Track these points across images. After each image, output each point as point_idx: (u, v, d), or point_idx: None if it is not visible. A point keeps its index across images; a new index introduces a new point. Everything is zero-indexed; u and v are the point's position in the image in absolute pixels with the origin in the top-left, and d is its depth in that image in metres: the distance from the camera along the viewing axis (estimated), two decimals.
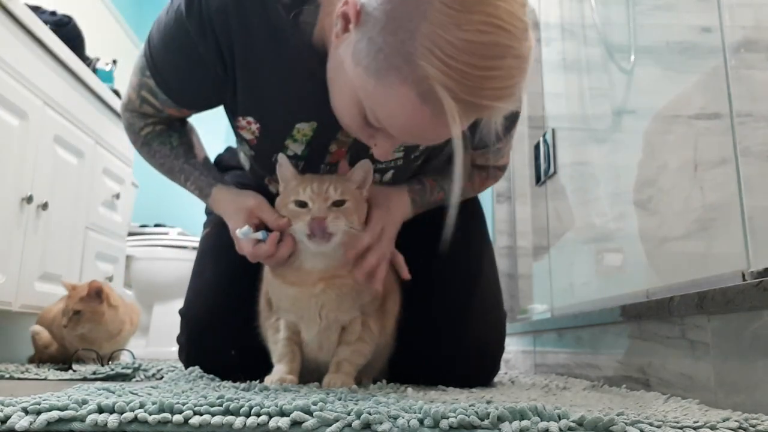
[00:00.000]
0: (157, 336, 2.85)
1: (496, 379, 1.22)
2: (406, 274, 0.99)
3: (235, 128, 1.01)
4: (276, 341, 0.99)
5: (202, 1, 0.87)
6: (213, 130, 1.00)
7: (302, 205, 0.89)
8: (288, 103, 0.94)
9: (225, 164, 1.26)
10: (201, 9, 0.88)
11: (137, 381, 1.25)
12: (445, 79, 0.68)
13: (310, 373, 0.98)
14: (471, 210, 1.22)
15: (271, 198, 0.97)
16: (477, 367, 1.12)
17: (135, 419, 0.58)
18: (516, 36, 0.68)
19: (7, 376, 1.30)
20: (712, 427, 0.61)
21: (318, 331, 0.95)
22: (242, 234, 0.91)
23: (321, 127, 0.95)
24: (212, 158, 1.27)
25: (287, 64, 0.90)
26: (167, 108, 1.02)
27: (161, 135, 1.06)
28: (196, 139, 1.10)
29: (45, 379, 1.28)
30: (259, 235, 0.92)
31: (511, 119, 1.03)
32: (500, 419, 0.59)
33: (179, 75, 0.96)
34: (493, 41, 0.67)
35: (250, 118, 0.97)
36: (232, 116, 1.01)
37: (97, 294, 1.60)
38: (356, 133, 0.85)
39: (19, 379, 1.28)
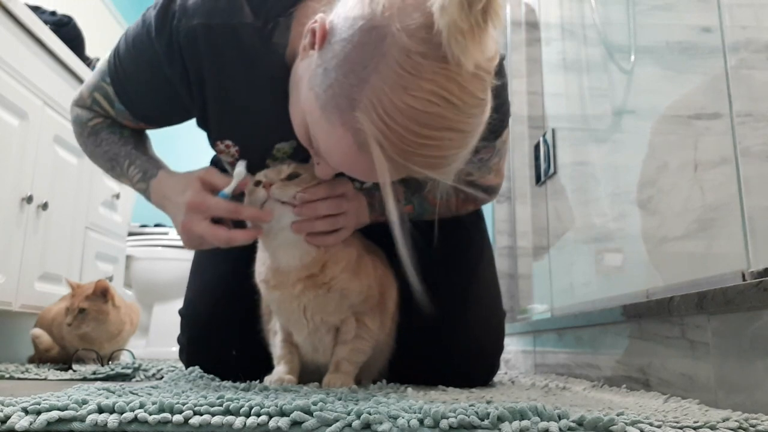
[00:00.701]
0: (157, 336, 2.85)
1: (496, 379, 1.22)
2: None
3: (215, 151, 1.01)
4: (275, 343, 1.00)
5: (172, 24, 0.87)
6: (202, 137, 0.99)
7: (258, 183, 0.89)
8: (265, 124, 0.93)
9: (219, 168, 1.26)
10: (171, 32, 0.87)
11: (137, 381, 1.25)
12: (380, 137, 0.67)
13: (309, 375, 0.99)
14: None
15: None
16: (477, 367, 1.12)
17: (135, 419, 0.58)
18: (463, 111, 0.67)
19: (7, 376, 1.30)
20: (712, 427, 0.61)
21: (308, 334, 0.96)
22: (237, 173, 0.88)
23: (300, 145, 0.95)
24: (206, 164, 1.27)
25: (261, 85, 0.90)
26: (122, 118, 1.00)
27: (112, 126, 1.02)
28: (149, 143, 1.07)
29: (45, 379, 1.28)
30: (242, 170, 0.88)
31: (492, 128, 1.01)
32: (500, 419, 0.59)
33: (141, 89, 0.95)
34: (436, 112, 0.66)
35: (228, 142, 0.97)
36: (211, 140, 0.99)
37: (103, 293, 1.60)
38: (305, 145, 0.84)
39: (19, 379, 1.28)
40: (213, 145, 0.99)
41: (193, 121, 1.01)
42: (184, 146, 2.69)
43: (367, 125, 0.67)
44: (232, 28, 0.86)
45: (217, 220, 0.90)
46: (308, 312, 0.93)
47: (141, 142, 1.04)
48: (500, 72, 0.89)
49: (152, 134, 1.10)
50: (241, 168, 0.90)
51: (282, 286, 0.92)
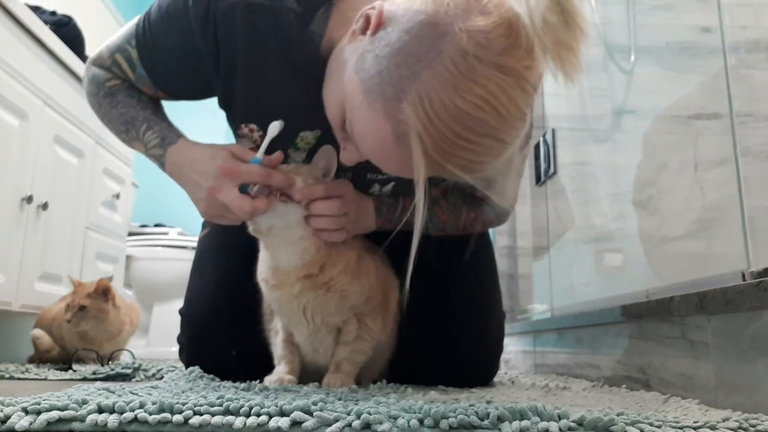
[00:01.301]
0: (157, 336, 2.85)
1: (496, 379, 1.22)
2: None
3: (236, 135, 1.00)
4: (276, 343, 1.00)
5: None
6: (213, 131, 0.98)
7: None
8: (293, 111, 0.93)
9: None
10: (209, 5, 0.86)
11: (137, 381, 1.25)
12: (423, 133, 0.67)
13: (310, 375, 0.99)
14: None
15: None
16: (477, 367, 1.12)
17: (135, 419, 0.58)
18: (507, 122, 0.67)
19: (7, 376, 1.30)
20: (712, 427, 0.61)
21: (308, 334, 0.96)
22: (271, 129, 0.88)
23: (325, 135, 0.95)
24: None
25: (293, 72, 0.89)
26: (141, 84, 0.98)
27: (130, 89, 1.00)
28: (165, 113, 1.04)
29: (45, 379, 1.28)
30: (276, 127, 0.87)
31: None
32: (500, 419, 0.59)
33: (167, 58, 0.94)
34: (481, 118, 0.66)
35: (252, 126, 0.96)
36: (233, 123, 0.98)
37: (104, 292, 1.61)
38: (334, 130, 0.84)
39: (19, 379, 1.28)
40: (236, 129, 0.98)
41: (203, 111, 0.99)
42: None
43: (411, 118, 0.67)
44: (273, 11, 0.86)
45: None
46: (308, 312, 0.93)
47: (159, 108, 1.02)
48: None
49: None
50: (275, 126, 0.88)
51: (282, 285, 0.92)
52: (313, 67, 0.86)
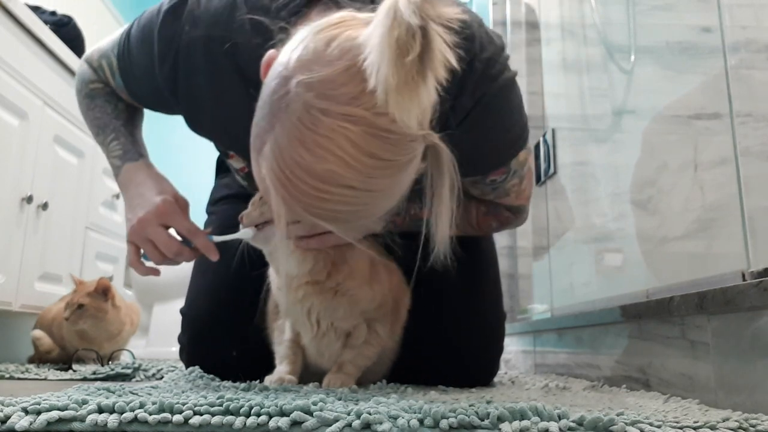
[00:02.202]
0: (157, 336, 2.84)
1: (496, 379, 1.22)
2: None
3: (225, 158, 1.02)
4: (281, 342, 1.00)
5: (177, 28, 0.87)
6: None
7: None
8: None
9: (225, 167, 1.26)
10: (174, 36, 0.87)
11: (137, 381, 1.25)
12: (278, 184, 0.67)
13: (311, 377, 0.99)
14: None
15: None
16: (477, 367, 1.12)
17: (135, 419, 0.58)
18: (360, 171, 0.64)
19: (7, 376, 1.30)
20: (712, 427, 0.61)
21: (312, 337, 0.96)
22: (244, 234, 0.90)
23: None
24: (211, 162, 1.27)
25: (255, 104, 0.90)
26: (119, 91, 1.02)
27: (109, 96, 1.04)
28: (140, 122, 1.08)
29: (45, 379, 1.28)
30: (251, 233, 0.90)
31: (494, 151, 0.93)
32: (500, 419, 0.59)
33: (139, 75, 0.96)
34: (330, 169, 0.64)
35: (232, 152, 0.98)
36: (218, 149, 1.01)
37: (104, 291, 1.61)
38: None
39: (19, 379, 1.28)
40: (223, 154, 1.01)
41: None
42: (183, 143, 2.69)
43: (267, 170, 0.67)
44: (233, 43, 0.86)
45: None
46: (312, 316, 0.93)
47: (132, 120, 1.05)
48: (511, 92, 0.88)
49: (159, 133, 1.10)
50: (246, 233, 0.90)
51: (287, 287, 0.92)
52: None
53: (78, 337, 1.61)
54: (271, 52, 0.73)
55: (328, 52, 0.64)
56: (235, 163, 1.00)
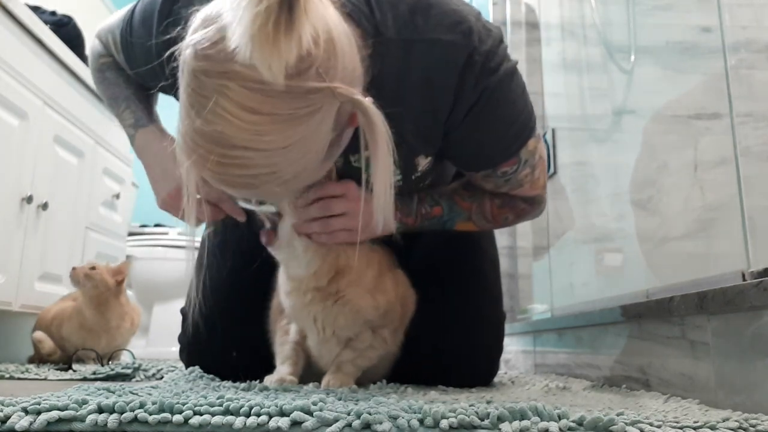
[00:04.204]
0: (157, 336, 2.85)
1: (496, 379, 1.22)
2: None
3: None
4: (283, 343, 1.00)
5: (175, 7, 0.87)
6: None
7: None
8: None
9: None
10: (170, 12, 0.87)
11: (137, 381, 1.25)
12: (187, 161, 0.68)
13: (311, 377, 0.98)
14: None
15: None
16: (477, 367, 1.12)
17: (135, 419, 0.58)
18: (245, 129, 0.64)
19: (7, 376, 1.30)
20: (712, 427, 0.61)
21: (318, 342, 0.96)
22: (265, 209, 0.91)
23: None
24: None
25: None
26: (123, 66, 1.02)
27: (118, 68, 1.05)
28: (154, 95, 1.08)
29: (45, 379, 1.28)
30: (272, 207, 0.90)
31: (502, 142, 0.92)
32: (500, 419, 0.59)
33: (138, 51, 0.96)
34: (220, 131, 0.64)
35: None
36: None
37: (119, 272, 1.69)
38: None
39: (19, 379, 1.28)
40: None
41: None
42: None
43: (178, 151, 0.69)
44: None
45: None
46: (318, 322, 0.94)
47: (143, 89, 1.04)
48: (513, 81, 0.88)
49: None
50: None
51: (294, 293, 0.93)
52: None
53: (78, 327, 1.62)
54: None
55: (205, 16, 0.66)
56: None
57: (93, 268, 1.64)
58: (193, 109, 0.65)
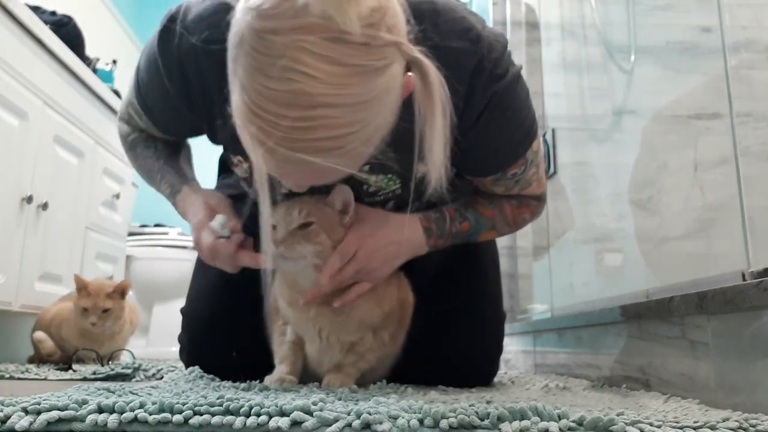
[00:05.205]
0: (157, 336, 2.85)
1: (496, 379, 1.22)
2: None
3: (231, 164, 1.02)
4: (281, 343, 1.00)
5: (174, 39, 0.87)
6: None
7: (274, 227, 0.89)
8: None
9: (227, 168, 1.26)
10: (172, 48, 0.88)
11: (137, 381, 1.25)
12: (255, 131, 0.64)
13: (310, 378, 0.99)
14: None
15: None
16: (477, 367, 1.12)
17: (135, 419, 0.58)
18: (328, 82, 0.61)
19: (7, 376, 1.30)
20: (712, 427, 0.61)
21: (319, 348, 0.96)
22: (217, 224, 0.91)
23: None
24: (215, 157, 1.27)
25: None
26: (152, 131, 1.04)
27: (146, 141, 1.07)
28: (185, 153, 1.11)
29: (45, 379, 1.28)
30: (225, 232, 0.92)
31: (511, 145, 0.93)
32: (500, 419, 0.59)
33: (156, 103, 0.97)
34: (298, 89, 0.61)
35: (240, 157, 0.97)
36: (226, 154, 1.02)
37: (122, 293, 1.67)
38: None
39: (19, 379, 1.28)
40: (229, 159, 1.02)
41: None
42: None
43: (239, 121, 0.66)
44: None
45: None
46: (323, 332, 0.94)
47: (173, 155, 1.07)
48: (519, 85, 0.89)
49: None
50: (216, 223, 0.92)
51: (296, 304, 0.93)
52: None
53: (80, 335, 1.62)
54: None
55: None
56: (240, 171, 1.00)
57: (106, 310, 1.62)
58: (261, 74, 0.62)
